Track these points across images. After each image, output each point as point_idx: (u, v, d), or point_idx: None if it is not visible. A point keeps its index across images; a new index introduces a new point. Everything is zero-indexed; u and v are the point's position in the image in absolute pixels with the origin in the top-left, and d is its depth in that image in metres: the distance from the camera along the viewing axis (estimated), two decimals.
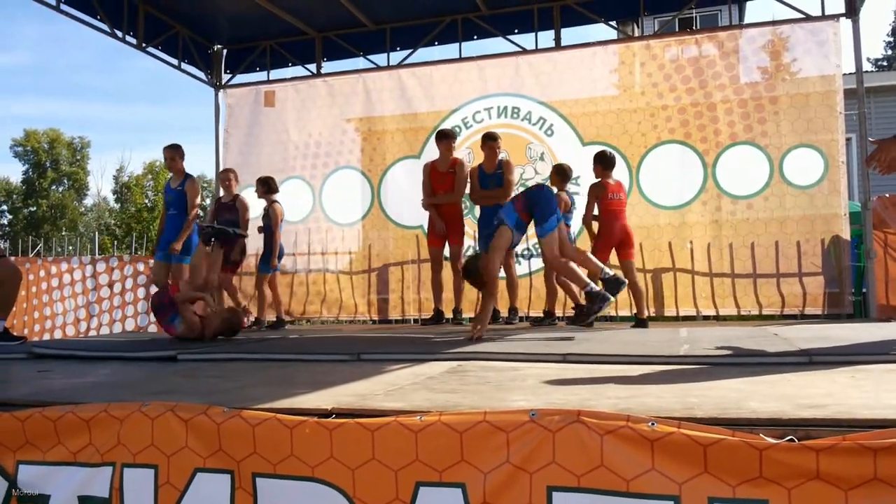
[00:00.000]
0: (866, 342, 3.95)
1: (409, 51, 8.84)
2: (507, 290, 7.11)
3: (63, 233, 30.10)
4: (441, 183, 7.16)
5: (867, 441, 1.66)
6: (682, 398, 2.30)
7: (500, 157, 7.05)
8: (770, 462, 1.70)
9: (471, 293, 7.96)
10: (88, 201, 37.42)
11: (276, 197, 7.68)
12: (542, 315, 7.16)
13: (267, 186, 7.65)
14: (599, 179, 6.63)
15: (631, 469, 1.80)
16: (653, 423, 1.81)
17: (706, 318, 7.67)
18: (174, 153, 7.32)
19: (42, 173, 33.94)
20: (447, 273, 7.32)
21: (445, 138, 7.24)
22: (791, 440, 1.72)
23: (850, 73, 7.58)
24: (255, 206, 7.95)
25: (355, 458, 2.01)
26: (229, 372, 3.54)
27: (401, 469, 1.97)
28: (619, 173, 7.63)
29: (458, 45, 8.62)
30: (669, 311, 7.70)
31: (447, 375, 3.12)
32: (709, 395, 2.35)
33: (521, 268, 7.91)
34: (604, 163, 6.68)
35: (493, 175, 6.92)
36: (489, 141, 6.97)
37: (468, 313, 7.98)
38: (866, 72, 9.50)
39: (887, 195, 7.21)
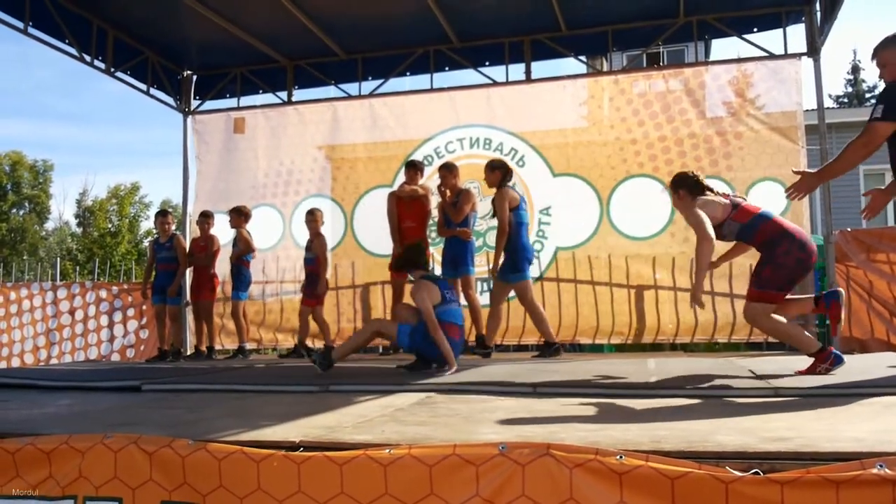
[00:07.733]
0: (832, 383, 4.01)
1: (381, 80, 8.86)
2: (471, 319, 7.02)
3: (24, 257, 29.49)
4: (408, 212, 7.24)
5: (829, 474, 1.69)
6: (650, 431, 2.31)
7: (461, 187, 7.07)
8: (736, 495, 1.72)
9: None
10: (50, 225, 36.76)
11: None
12: None
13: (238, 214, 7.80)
14: None
15: (600, 502, 1.80)
16: (621, 457, 1.82)
17: (674, 347, 7.73)
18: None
19: (2, 196, 33.29)
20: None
21: (412, 168, 7.33)
22: (756, 473, 1.74)
23: (811, 110, 7.75)
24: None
25: (323, 492, 1.99)
26: (195, 403, 3.49)
27: (369, 503, 1.95)
28: (590, 205, 7.82)
29: (429, 75, 8.67)
30: (647, 339, 7.72)
31: (417, 407, 3.11)
32: (676, 428, 2.36)
33: (485, 298, 7.90)
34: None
35: (452, 204, 6.96)
36: (441, 169, 7.06)
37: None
38: (827, 108, 9.73)
39: (849, 229, 7.34)
